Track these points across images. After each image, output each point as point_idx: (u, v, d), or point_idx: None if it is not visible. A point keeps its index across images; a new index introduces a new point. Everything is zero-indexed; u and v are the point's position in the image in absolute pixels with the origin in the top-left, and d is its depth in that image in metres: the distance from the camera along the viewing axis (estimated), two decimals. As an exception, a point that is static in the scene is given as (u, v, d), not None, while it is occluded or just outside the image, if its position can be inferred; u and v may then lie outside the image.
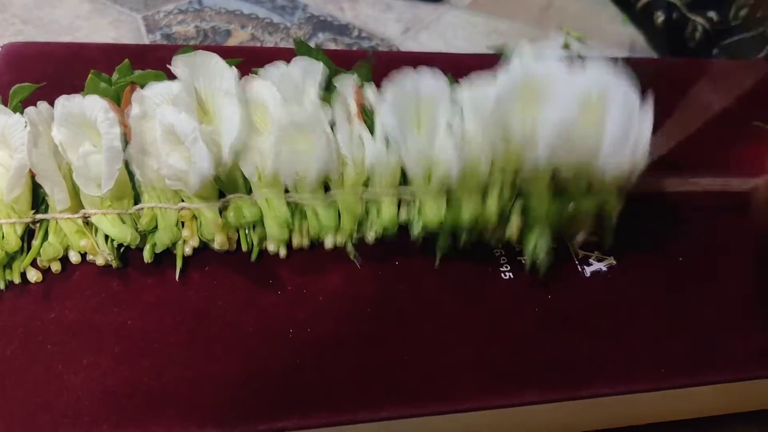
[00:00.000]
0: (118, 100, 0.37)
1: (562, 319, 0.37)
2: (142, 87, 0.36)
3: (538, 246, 0.38)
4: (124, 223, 0.35)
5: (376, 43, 0.65)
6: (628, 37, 0.72)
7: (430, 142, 0.38)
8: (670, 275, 0.40)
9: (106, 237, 0.35)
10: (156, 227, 0.35)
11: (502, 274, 0.39)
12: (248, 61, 0.39)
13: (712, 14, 0.65)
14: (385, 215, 0.38)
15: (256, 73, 0.37)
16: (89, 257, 0.35)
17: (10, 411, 0.31)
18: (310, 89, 0.37)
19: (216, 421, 0.31)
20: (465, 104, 0.38)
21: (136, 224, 0.35)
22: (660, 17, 0.69)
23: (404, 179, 0.39)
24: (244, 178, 0.36)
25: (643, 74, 0.41)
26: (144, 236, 0.35)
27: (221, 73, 0.34)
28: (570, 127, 0.37)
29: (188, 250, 0.36)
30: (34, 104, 0.35)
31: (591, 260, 0.40)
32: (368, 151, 0.37)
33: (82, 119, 0.34)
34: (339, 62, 0.40)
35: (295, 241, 0.37)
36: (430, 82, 0.38)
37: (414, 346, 0.35)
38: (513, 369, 0.35)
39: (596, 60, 0.39)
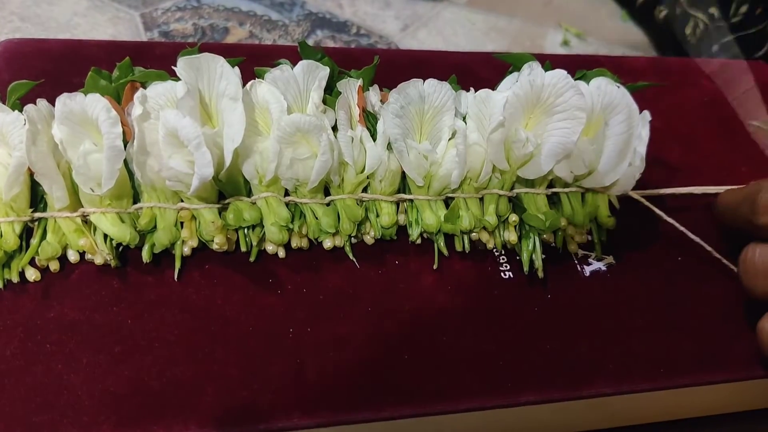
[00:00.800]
0: (118, 98, 0.36)
1: (561, 318, 0.37)
2: (143, 85, 0.36)
3: (534, 252, 0.38)
4: (123, 222, 0.35)
5: (375, 41, 0.65)
6: (628, 34, 0.72)
7: (432, 149, 0.38)
8: (669, 275, 0.41)
9: (105, 236, 0.35)
10: (155, 227, 0.35)
11: (502, 274, 0.39)
12: (248, 58, 0.39)
13: (713, 11, 0.65)
14: (384, 219, 0.38)
15: (260, 74, 0.37)
16: (88, 257, 0.35)
17: (10, 410, 0.31)
18: (314, 93, 0.37)
19: (216, 420, 0.31)
20: (469, 112, 0.39)
21: (135, 224, 0.35)
22: (661, 13, 0.69)
23: (404, 183, 0.39)
24: (245, 180, 0.36)
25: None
26: (143, 236, 0.35)
27: (226, 76, 0.34)
28: (574, 144, 0.37)
29: (187, 251, 0.36)
30: (32, 101, 0.35)
31: (590, 260, 0.41)
32: (369, 155, 0.37)
33: (83, 117, 0.34)
34: (340, 61, 0.40)
35: (294, 243, 0.37)
36: (434, 89, 0.38)
37: (414, 346, 0.35)
38: (513, 368, 0.35)
39: (600, 71, 0.40)
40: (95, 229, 0.35)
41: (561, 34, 0.70)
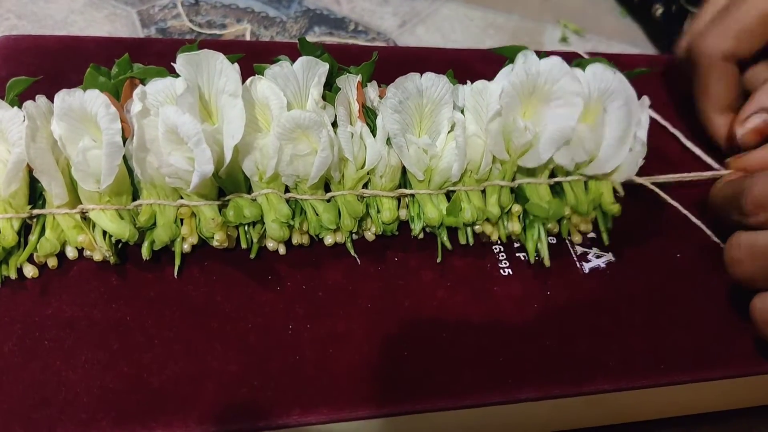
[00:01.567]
0: (117, 95, 0.36)
1: (561, 315, 0.37)
2: (141, 82, 0.36)
3: (539, 242, 0.38)
4: (122, 219, 0.35)
5: (373, 37, 0.65)
6: (626, 30, 0.72)
7: (432, 143, 0.38)
8: (668, 271, 0.41)
9: (104, 233, 0.35)
10: (155, 224, 0.35)
11: (501, 271, 0.39)
12: (247, 55, 0.39)
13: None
14: (385, 214, 0.38)
15: (259, 71, 0.37)
16: (86, 253, 0.35)
17: (8, 407, 0.30)
18: (314, 90, 0.37)
19: (215, 417, 0.31)
20: (467, 105, 0.39)
21: (135, 220, 0.35)
22: (658, 10, 0.69)
23: (404, 178, 0.39)
24: (245, 177, 0.36)
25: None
26: (142, 233, 0.35)
27: (226, 73, 0.34)
28: (572, 130, 0.37)
29: (187, 248, 0.36)
30: (30, 98, 0.35)
31: (589, 256, 0.40)
32: (369, 151, 0.37)
33: (82, 114, 0.33)
34: (338, 57, 0.40)
35: (295, 240, 0.37)
36: (432, 83, 0.37)
37: (413, 342, 0.35)
38: (512, 365, 0.35)
39: (597, 59, 0.40)
40: (94, 225, 0.35)
41: (559, 31, 0.70)
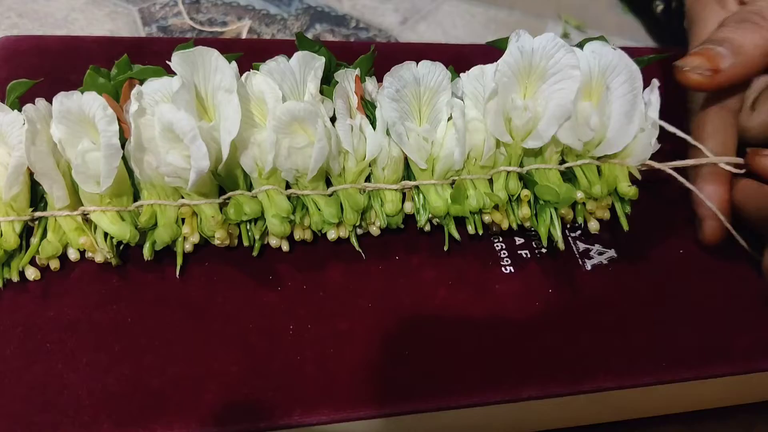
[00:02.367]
0: (117, 96, 0.36)
1: (563, 313, 0.37)
2: (141, 83, 0.36)
3: (552, 226, 0.38)
4: (123, 220, 0.35)
5: (374, 34, 0.64)
6: (628, 26, 0.72)
7: (432, 131, 0.37)
8: (671, 268, 0.40)
9: (106, 234, 0.35)
10: (156, 224, 0.35)
11: (503, 268, 0.39)
12: (247, 53, 0.39)
13: (712, 2, 0.64)
14: (388, 207, 0.37)
15: (256, 68, 0.37)
16: (88, 255, 0.35)
17: (10, 410, 0.31)
18: (311, 84, 0.36)
19: (217, 418, 0.31)
20: (465, 91, 0.38)
21: (136, 221, 0.35)
22: (659, 6, 0.68)
23: (408, 171, 0.38)
24: (245, 174, 0.36)
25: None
26: (144, 233, 0.35)
27: (221, 69, 0.34)
28: (572, 105, 0.36)
29: (188, 247, 0.36)
30: (31, 100, 0.35)
31: (592, 254, 0.40)
32: (369, 143, 0.37)
33: (80, 116, 0.33)
34: (338, 53, 0.40)
35: (297, 235, 0.37)
36: (429, 70, 0.37)
37: (415, 342, 0.35)
38: (514, 364, 0.35)
39: (595, 39, 0.39)
40: (95, 227, 0.35)
41: (561, 26, 0.70)
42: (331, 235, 0.37)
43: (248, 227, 0.37)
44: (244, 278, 0.36)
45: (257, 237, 0.36)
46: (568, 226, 0.42)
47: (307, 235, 0.37)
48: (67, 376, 0.32)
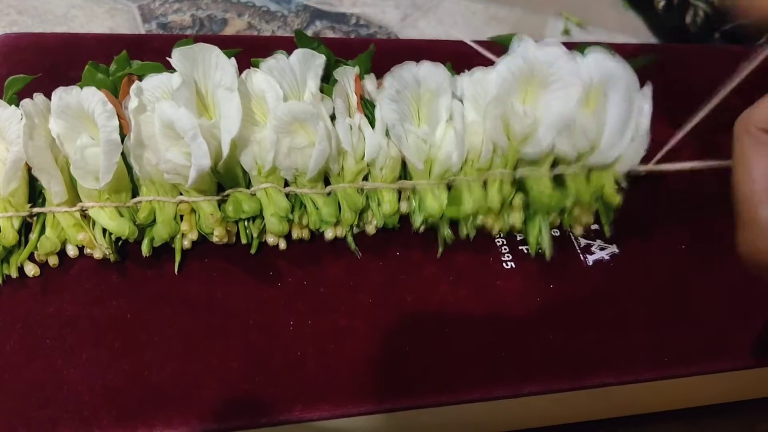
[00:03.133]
0: (116, 92, 0.36)
1: (564, 308, 0.37)
2: (140, 78, 0.36)
3: (541, 235, 0.38)
4: (122, 216, 0.35)
5: (374, 31, 0.64)
6: (629, 22, 0.72)
7: (431, 133, 0.37)
8: (672, 263, 0.40)
9: (104, 231, 0.35)
10: (154, 221, 0.35)
11: (504, 264, 0.39)
12: (246, 50, 0.39)
13: (713, -2, 0.64)
14: (385, 207, 0.37)
15: (256, 65, 0.36)
16: (87, 251, 0.35)
17: (10, 406, 0.30)
18: (311, 82, 0.36)
19: (217, 413, 0.31)
20: (465, 94, 0.38)
21: (134, 217, 0.35)
22: (661, 2, 0.68)
23: (405, 171, 0.38)
24: (244, 172, 0.36)
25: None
26: (142, 230, 0.35)
27: (222, 66, 0.34)
28: (572, 114, 0.37)
29: (187, 244, 0.35)
30: (29, 96, 0.35)
31: (593, 249, 0.40)
32: (368, 143, 0.37)
33: (79, 111, 0.33)
34: (338, 50, 0.40)
35: (295, 234, 0.37)
36: (429, 72, 0.37)
37: (416, 337, 0.35)
38: (515, 359, 0.35)
39: (597, 47, 0.39)
40: (94, 223, 0.35)
41: (562, 23, 0.70)
42: (329, 234, 0.37)
43: (246, 225, 0.36)
44: (244, 274, 0.36)
45: (255, 235, 0.36)
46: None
47: (305, 234, 0.37)
48: (67, 372, 0.32)
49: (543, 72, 0.37)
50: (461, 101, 0.38)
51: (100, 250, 0.35)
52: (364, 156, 0.37)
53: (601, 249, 0.40)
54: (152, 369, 0.32)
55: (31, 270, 0.34)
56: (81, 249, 0.35)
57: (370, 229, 0.38)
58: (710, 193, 0.43)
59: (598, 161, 0.39)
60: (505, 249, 0.39)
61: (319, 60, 0.37)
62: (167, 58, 0.34)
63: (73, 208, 0.35)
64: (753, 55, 0.43)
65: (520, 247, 0.40)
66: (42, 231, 0.35)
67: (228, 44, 0.36)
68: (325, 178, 0.38)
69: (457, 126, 0.37)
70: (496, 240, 0.40)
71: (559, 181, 0.40)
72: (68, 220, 0.35)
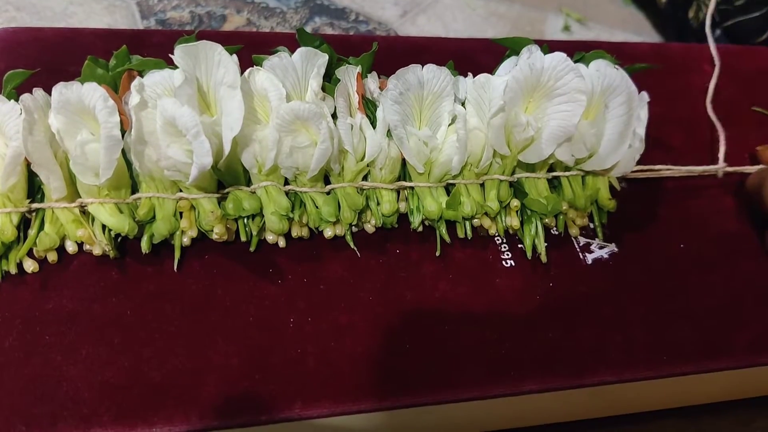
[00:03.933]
0: (116, 87, 0.36)
1: (563, 306, 0.37)
2: (140, 74, 0.36)
3: (537, 237, 0.38)
4: (121, 212, 0.35)
5: (374, 27, 0.64)
6: (630, 18, 0.72)
7: (432, 135, 0.37)
8: (671, 262, 0.40)
9: (104, 227, 0.35)
10: (154, 217, 0.35)
11: (504, 262, 0.39)
12: (246, 46, 0.39)
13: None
14: (384, 206, 0.37)
15: (258, 62, 0.36)
16: (86, 247, 0.35)
17: (10, 403, 0.30)
18: (313, 81, 0.36)
19: (217, 411, 0.31)
20: (468, 98, 0.38)
21: (134, 214, 0.35)
22: (664, -3, 0.68)
23: (404, 171, 0.38)
24: (244, 169, 0.36)
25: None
26: (142, 226, 0.35)
27: (224, 64, 0.34)
28: (575, 126, 0.37)
29: (186, 241, 0.35)
30: (28, 90, 0.35)
31: (592, 247, 0.40)
32: (369, 143, 0.37)
33: (79, 107, 0.33)
34: (338, 47, 0.40)
35: (295, 232, 0.37)
36: (433, 75, 0.37)
37: (415, 335, 0.35)
38: (515, 357, 0.35)
39: (599, 53, 0.39)
40: (93, 219, 0.35)
41: (562, 19, 0.70)
42: (328, 233, 0.37)
43: (246, 223, 0.36)
44: (244, 271, 0.36)
45: (255, 233, 0.36)
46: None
47: (305, 232, 0.37)
48: (66, 369, 0.32)
49: (549, 84, 0.37)
50: (463, 105, 0.38)
51: (99, 246, 0.35)
52: (364, 156, 0.37)
53: (600, 248, 0.40)
54: (152, 366, 0.32)
55: (30, 266, 0.34)
56: (80, 245, 0.35)
57: (369, 228, 0.38)
58: (709, 193, 0.43)
59: (595, 167, 0.39)
60: (504, 247, 0.39)
61: (322, 59, 0.36)
62: (170, 56, 0.34)
63: (73, 204, 0.35)
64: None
65: (519, 246, 0.39)
66: (41, 227, 0.35)
67: (228, 40, 0.36)
68: (325, 177, 0.37)
69: (459, 132, 0.37)
70: (496, 238, 0.40)
71: (554, 183, 0.40)
72: (67, 216, 0.34)
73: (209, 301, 0.35)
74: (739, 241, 0.41)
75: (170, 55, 0.34)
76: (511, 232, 0.39)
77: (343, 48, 0.41)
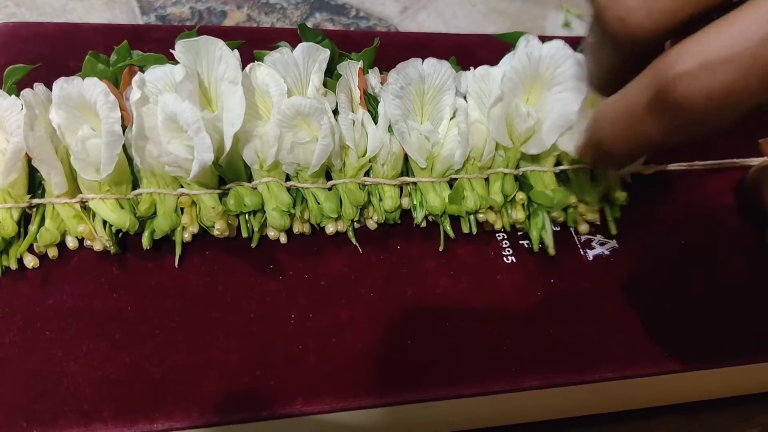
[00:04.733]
0: (116, 82, 0.36)
1: (564, 303, 0.37)
2: (141, 69, 0.35)
3: (544, 230, 0.38)
4: (122, 208, 0.35)
5: (374, 23, 0.64)
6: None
7: (434, 130, 0.37)
8: (672, 258, 0.40)
9: (105, 223, 0.35)
10: (155, 213, 0.35)
11: (505, 258, 0.39)
12: (247, 42, 0.39)
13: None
14: (387, 202, 0.37)
15: (260, 58, 0.36)
16: (87, 243, 0.35)
17: (10, 399, 0.30)
18: (315, 76, 0.36)
19: (218, 407, 0.31)
20: (469, 91, 0.38)
21: (135, 210, 0.35)
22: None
23: (406, 166, 0.38)
24: (245, 165, 0.36)
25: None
26: (143, 222, 0.35)
27: (225, 59, 0.34)
28: (575, 115, 0.37)
29: (187, 237, 0.35)
30: (29, 86, 0.35)
31: (593, 244, 0.40)
32: (371, 138, 0.37)
33: (81, 102, 0.33)
34: (338, 43, 0.40)
35: (296, 228, 0.37)
36: (434, 69, 0.37)
37: (416, 331, 0.35)
38: (516, 354, 0.35)
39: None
40: (94, 215, 0.35)
41: (562, 16, 0.70)
42: (330, 229, 0.37)
43: (247, 218, 0.36)
44: (245, 267, 0.36)
45: (256, 229, 0.36)
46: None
47: (306, 228, 0.37)
48: (67, 365, 0.32)
49: (548, 73, 0.37)
50: (465, 98, 0.38)
51: (100, 242, 0.34)
52: (366, 152, 0.37)
53: (602, 244, 0.40)
54: (153, 362, 0.32)
55: (30, 262, 0.34)
56: (81, 241, 0.35)
57: (371, 224, 0.38)
58: (711, 190, 0.43)
59: None
60: (505, 243, 0.39)
61: (324, 54, 0.36)
62: (171, 51, 0.34)
63: (73, 200, 0.34)
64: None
65: (520, 242, 0.39)
66: (42, 222, 0.34)
67: (229, 36, 0.36)
68: (326, 172, 0.37)
69: (461, 125, 0.36)
70: (497, 234, 0.40)
71: (562, 178, 0.40)
72: (68, 211, 0.34)
73: (210, 297, 0.35)
74: (741, 237, 0.41)
75: (171, 50, 0.34)
76: (517, 226, 0.39)
77: (344, 44, 0.41)
